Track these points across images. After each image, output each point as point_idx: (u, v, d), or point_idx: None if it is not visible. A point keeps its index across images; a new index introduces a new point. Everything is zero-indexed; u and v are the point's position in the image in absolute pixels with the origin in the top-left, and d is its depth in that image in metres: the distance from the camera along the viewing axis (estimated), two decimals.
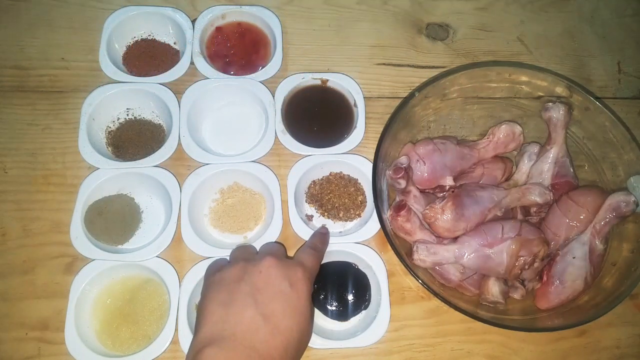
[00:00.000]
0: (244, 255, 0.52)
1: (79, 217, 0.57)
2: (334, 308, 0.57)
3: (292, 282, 0.48)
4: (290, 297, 0.47)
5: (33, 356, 0.54)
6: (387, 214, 0.56)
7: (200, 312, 0.47)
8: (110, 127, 0.64)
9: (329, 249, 0.58)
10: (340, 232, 0.61)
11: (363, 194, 0.63)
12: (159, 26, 0.70)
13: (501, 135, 0.61)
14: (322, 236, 0.58)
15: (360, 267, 0.59)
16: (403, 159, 0.58)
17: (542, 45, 0.75)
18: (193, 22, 0.68)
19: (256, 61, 0.68)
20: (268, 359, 0.43)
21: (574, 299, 0.56)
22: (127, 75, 0.65)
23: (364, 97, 0.66)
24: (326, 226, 0.61)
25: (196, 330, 0.46)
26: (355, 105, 0.66)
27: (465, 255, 0.54)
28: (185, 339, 0.53)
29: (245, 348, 0.43)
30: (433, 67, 0.72)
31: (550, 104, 0.60)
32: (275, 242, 0.58)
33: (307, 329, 0.48)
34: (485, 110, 0.65)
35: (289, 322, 0.46)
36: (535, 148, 0.62)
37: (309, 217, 0.62)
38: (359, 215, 0.62)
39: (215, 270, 0.50)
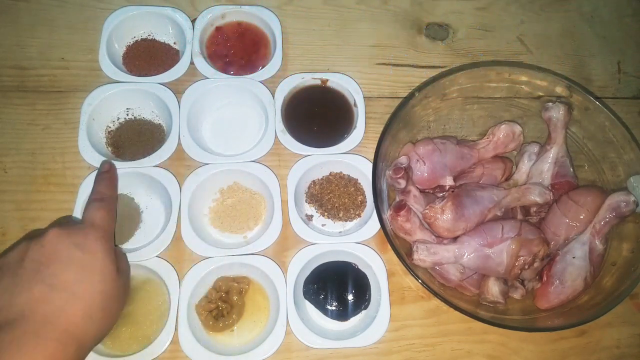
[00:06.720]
0: (29, 236, 0.49)
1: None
2: (334, 308, 0.57)
3: (82, 247, 0.45)
4: (83, 262, 0.45)
5: None
6: (387, 214, 0.56)
7: None
8: (110, 127, 0.64)
9: (329, 248, 0.58)
10: (340, 232, 0.61)
11: (363, 194, 0.63)
12: (159, 26, 0.70)
13: (501, 135, 0.61)
14: (105, 179, 0.55)
15: (360, 267, 0.59)
16: (403, 159, 0.58)
17: (542, 45, 0.75)
18: (193, 22, 0.68)
19: (256, 61, 0.68)
20: (68, 326, 0.42)
21: (574, 299, 0.56)
22: (127, 75, 0.65)
23: (364, 97, 0.66)
24: (109, 161, 0.57)
25: None
26: (355, 105, 0.66)
27: (465, 255, 0.54)
28: (185, 339, 0.53)
29: (36, 324, 0.41)
30: (433, 67, 0.72)
31: (550, 104, 0.60)
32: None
33: (113, 289, 0.46)
34: (485, 110, 0.65)
35: (87, 286, 0.44)
36: (535, 148, 0.62)
37: (309, 217, 0.62)
38: (359, 215, 0.62)
39: None
